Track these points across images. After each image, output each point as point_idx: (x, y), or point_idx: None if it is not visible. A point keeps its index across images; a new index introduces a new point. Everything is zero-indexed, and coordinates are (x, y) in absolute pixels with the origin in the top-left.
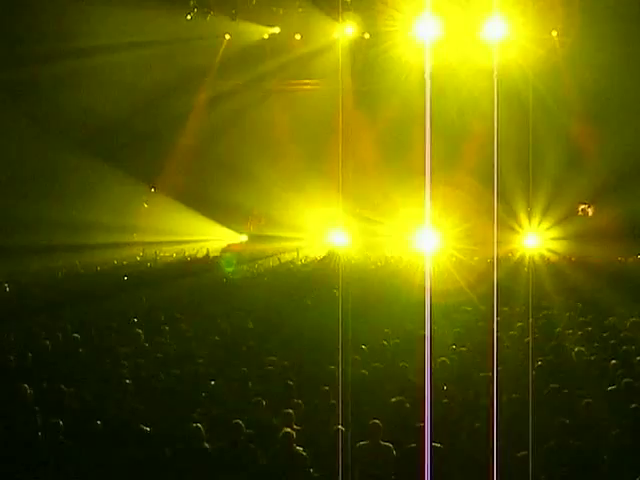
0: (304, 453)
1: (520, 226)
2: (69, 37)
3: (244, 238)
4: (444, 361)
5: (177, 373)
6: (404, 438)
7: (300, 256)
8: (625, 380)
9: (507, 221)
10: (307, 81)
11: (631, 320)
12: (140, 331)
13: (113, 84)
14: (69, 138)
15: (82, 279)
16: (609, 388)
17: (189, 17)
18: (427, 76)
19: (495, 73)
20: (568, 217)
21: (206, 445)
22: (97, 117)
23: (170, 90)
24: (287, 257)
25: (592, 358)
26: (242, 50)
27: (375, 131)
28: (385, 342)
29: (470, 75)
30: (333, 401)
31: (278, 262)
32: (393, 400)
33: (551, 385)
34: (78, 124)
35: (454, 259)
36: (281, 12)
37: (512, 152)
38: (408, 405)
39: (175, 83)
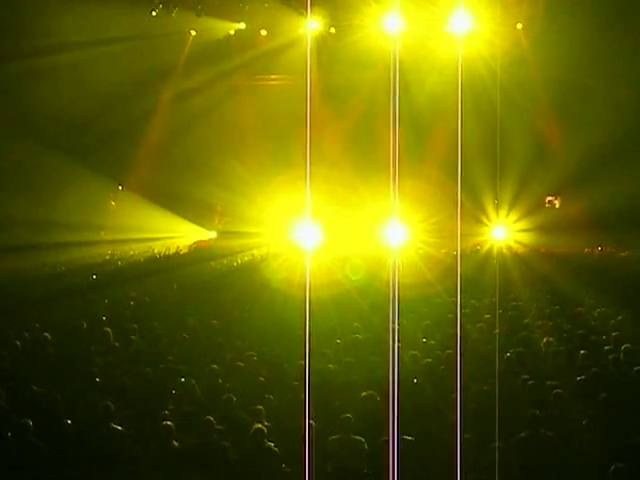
0: (275, 449)
1: (488, 218)
2: (32, 34)
3: (212, 234)
4: (414, 354)
5: (147, 371)
6: (375, 432)
7: (269, 252)
8: (594, 370)
9: (475, 213)
10: (273, 76)
11: (599, 310)
12: (109, 330)
13: (78, 81)
14: (34, 135)
15: (49, 278)
16: (578, 378)
17: (154, 13)
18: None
19: (460, 66)
20: (535, 209)
21: (177, 443)
22: (62, 114)
23: (136, 87)
24: (255, 253)
25: (561, 349)
26: (208, 46)
27: (342, 125)
28: (355, 336)
29: (436, 68)
30: (304, 396)
31: (246, 258)
32: (364, 394)
33: (521, 376)
34: (43, 121)
35: (422, 252)
36: (247, 8)
37: (479, 145)
38: (379, 399)
39: (141, 80)
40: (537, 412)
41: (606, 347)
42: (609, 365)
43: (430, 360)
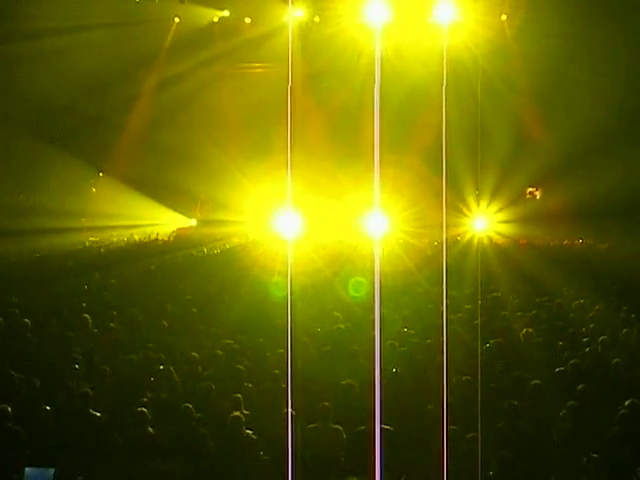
0: (254, 437)
1: (469, 209)
2: (14, 19)
3: (193, 222)
4: (393, 344)
5: (126, 358)
6: (354, 421)
7: (249, 240)
8: (572, 361)
9: (455, 204)
10: (257, 64)
11: (578, 302)
12: (88, 316)
13: (60, 67)
14: (16, 121)
15: (29, 264)
16: (557, 369)
17: (138, 0)
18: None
19: (445, 56)
20: (516, 200)
21: (155, 430)
22: (43, 100)
23: (118, 74)
24: (235, 241)
25: (540, 340)
26: (191, 33)
27: (325, 114)
28: (336, 326)
29: (420, 58)
30: (283, 384)
31: (226, 246)
32: (343, 383)
33: (500, 367)
34: (23, 107)
35: (403, 242)
36: None
37: (461, 135)
38: (358, 388)
39: (124, 66)
40: (515, 402)
41: (585, 339)
42: (587, 357)
43: (409, 349)
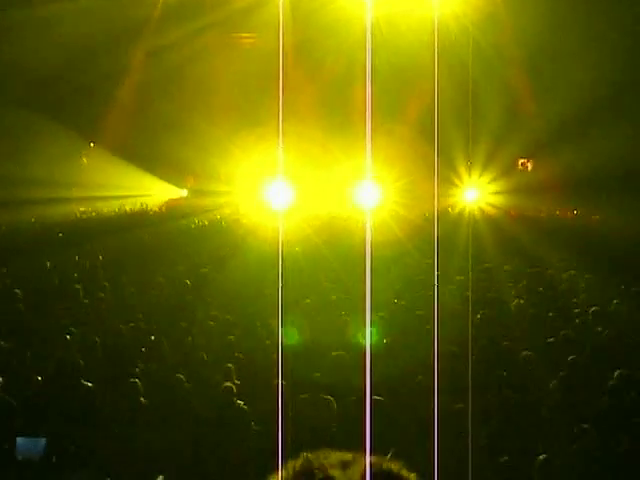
0: (245, 407)
1: (460, 180)
2: None
3: (184, 193)
4: (383, 316)
5: (117, 328)
6: (345, 391)
7: (241, 210)
8: (563, 332)
9: (447, 175)
10: (247, 34)
11: (569, 273)
12: (79, 287)
13: (50, 36)
14: (5, 91)
15: (20, 234)
16: (547, 340)
17: None
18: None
19: (436, 26)
20: (508, 171)
21: (146, 400)
22: (33, 70)
23: (108, 43)
24: (227, 211)
25: (531, 311)
26: (180, 3)
27: (316, 84)
28: (327, 296)
29: (411, 27)
30: (274, 355)
31: (217, 217)
32: (334, 354)
33: (490, 338)
34: (13, 76)
35: (394, 213)
36: None
37: (452, 105)
38: (349, 359)
39: (113, 36)
40: (505, 374)
41: (575, 310)
42: (578, 328)
43: (400, 320)
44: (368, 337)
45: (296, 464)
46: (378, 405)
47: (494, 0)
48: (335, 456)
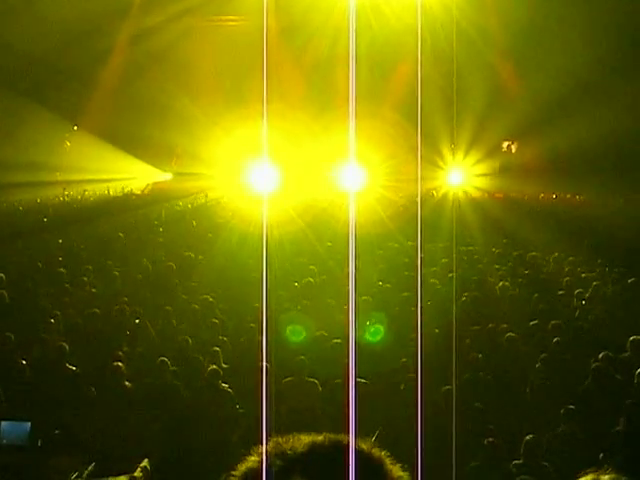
0: (230, 390)
1: (444, 162)
2: None
3: (168, 176)
4: (367, 299)
5: (101, 312)
6: (329, 374)
7: (225, 193)
8: (547, 314)
9: (431, 157)
10: (231, 17)
11: (553, 255)
12: (64, 270)
13: (33, 19)
14: None
15: (3, 219)
16: (531, 322)
17: None
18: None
19: (419, 8)
20: (492, 153)
21: (131, 383)
22: (17, 54)
23: (92, 26)
24: (211, 194)
25: (515, 293)
26: None
27: (299, 66)
28: (311, 279)
29: (394, 10)
30: (259, 338)
31: (201, 200)
32: (317, 334)
33: (474, 319)
34: None
35: (378, 195)
36: None
37: (436, 87)
38: (334, 341)
39: (97, 19)
40: (490, 355)
41: (560, 292)
42: (562, 310)
43: (384, 303)
44: (352, 320)
45: (268, 447)
46: (362, 388)
47: None
48: (307, 438)
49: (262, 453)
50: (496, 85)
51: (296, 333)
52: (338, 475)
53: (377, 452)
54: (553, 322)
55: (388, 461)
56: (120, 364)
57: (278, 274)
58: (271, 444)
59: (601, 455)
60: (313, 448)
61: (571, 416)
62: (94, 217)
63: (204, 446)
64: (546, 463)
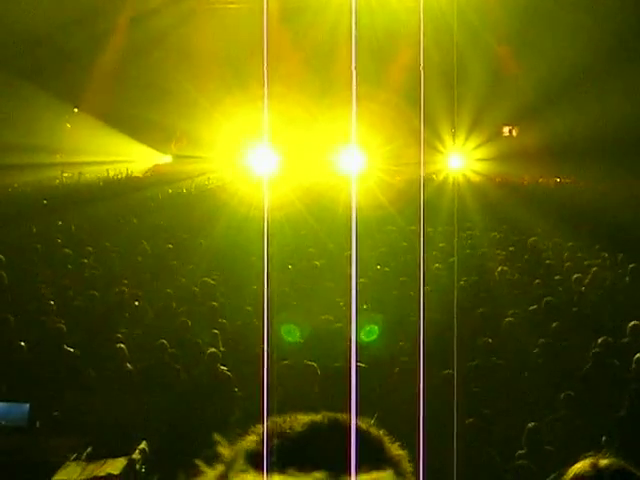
0: (228, 373)
1: (444, 146)
2: None
3: (169, 159)
4: (365, 282)
5: (101, 294)
6: (329, 357)
7: (225, 176)
8: (546, 299)
9: (431, 141)
10: (230, 0)
11: (553, 240)
12: (63, 252)
13: (33, 0)
14: None
15: (3, 200)
16: (530, 307)
17: None
18: None
19: None
20: (492, 138)
21: (130, 365)
22: (16, 35)
23: (92, 7)
24: (211, 177)
25: (514, 277)
26: None
27: (300, 50)
28: (315, 262)
29: None
30: (258, 321)
31: (201, 183)
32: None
33: (474, 304)
34: None
35: (378, 179)
36: None
37: (437, 72)
38: (333, 325)
39: (98, 0)
40: (489, 340)
41: (557, 277)
42: (561, 295)
43: (384, 287)
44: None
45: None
46: (362, 372)
47: None
48: (305, 418)
49: (262, 433)
50: (497, 69)
51: (295, 317)
52: (338, 454)
53: (375, 431)
54: (552, 307)
55: (387, 439)
56: (120, 345)
57: (277, 257)
58: (269, 424)
59: (603, 439)
60: (312, 427)
61: (570, 401)
62: (94, 199)
63: (202, 428)
64: (548, 447)
